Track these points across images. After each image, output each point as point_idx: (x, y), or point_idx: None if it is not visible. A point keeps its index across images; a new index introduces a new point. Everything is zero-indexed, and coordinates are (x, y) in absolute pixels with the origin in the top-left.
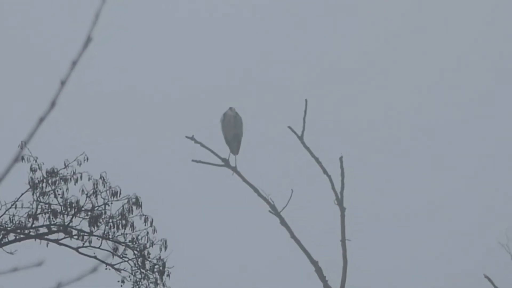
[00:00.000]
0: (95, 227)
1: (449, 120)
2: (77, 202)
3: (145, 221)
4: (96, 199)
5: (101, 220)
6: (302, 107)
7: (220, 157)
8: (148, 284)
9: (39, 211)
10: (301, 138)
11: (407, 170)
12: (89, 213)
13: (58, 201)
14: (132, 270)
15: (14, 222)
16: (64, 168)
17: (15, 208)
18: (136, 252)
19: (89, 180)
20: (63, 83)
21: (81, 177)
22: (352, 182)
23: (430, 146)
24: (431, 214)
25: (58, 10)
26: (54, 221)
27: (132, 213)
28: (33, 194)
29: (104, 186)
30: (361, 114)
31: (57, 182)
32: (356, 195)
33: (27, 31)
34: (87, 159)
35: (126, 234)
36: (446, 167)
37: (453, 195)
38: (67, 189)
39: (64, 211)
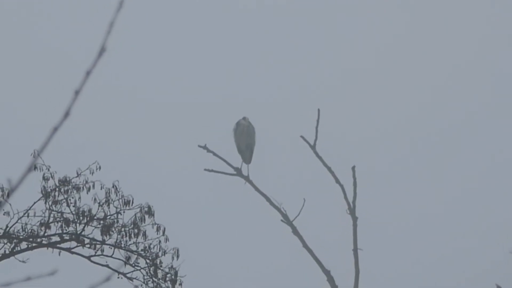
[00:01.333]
0: (108, 236)
1: (462, 125)
2: (90, 210)
3: (158, 230)
4: (109, 208)
5: (113, 229)
6: (314, 116)
7: (232, 166)
8: None
9: (51, 219)
10: (313, 147)
11: (418, 177)
12: (102, 222)
13: (70, 209)
14: (144, 279)
15: (26, 230)
16: (77, 176)
17: (28, 216)
18: (148, 261)
19: (101, 188)
20: (77, 92)
21: (93, 185)
22: (364, 191)
23: (441, 152)
24: (443, 222)
25: (73, 16)
26: (66, 230)
27: (145, 222)
28: (45, 203)
29: (117, 195)
30: (372, 123)
31: (69, 191)
32: (368, 203)
33: (43, 38)
34: (100, 167)
35: (139, 243)
36: (457, 174)
37: (465, 201)
38: (80, 197)
39: (76, 220)
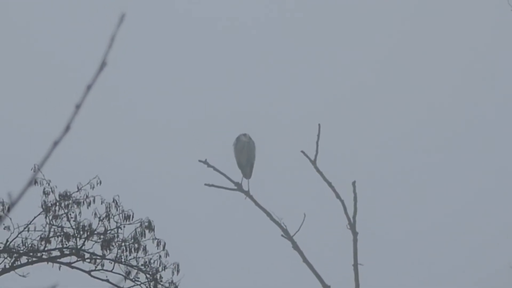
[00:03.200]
0: (108, 251)
1: (461, 136)
2: (90, 225)
3: (158, 244)
4: (109, 222)
5: (113, 244)
6: (315, 132)
7: (233, 181)
8: None
9: (51, 234)
10: (314, 162)
11: (419, 191)
12: (102, 236)
13: (70, 224)
14: None
15: (26, 245)
16: (77, 191)
17: (28, 231)
18: (148, 275)
19: (102, 203)
20: (78, 107)
21: (94, 200)
22: (364, 206)
23: (442, 163)
24: (443, 236)
25: (76, 27)
26: (66, 244)
27: (145, 237)
28: (46, 217)
29: (117, 210)
30: (371, 136)
31: (70, 205)
32: (369, 218)
33: (44, 50)
34: (100, 182)
35: (139, 257)
36: (458, 186)
37: (466, 214)
38: (80, 212)
39: (76, 234)
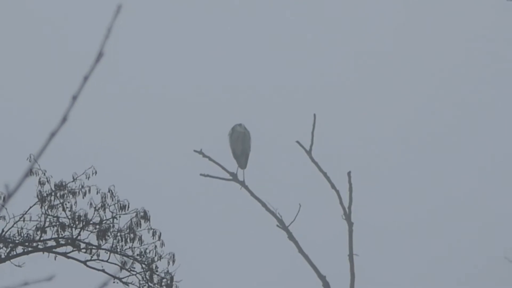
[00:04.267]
0: (103, 241)
1: (458, 125)
2: (85, 215)
3: (153, 234)
4: (104, 212)
5: (109, 234)
6: (310, 121)
7: (228, 171)
8: None
9: (47, 224)
10: (309, 152)
11: (414, 180)
12: (97, 226)
13: (66, 214)
14: (140, 284)
15: (22, 235)
16: (73, 181)
17: (24, 221)
18: (144, 265)
19: (97, 193)
20: (74, 98)
21: (89, 190)
22: (360, 196)
23: (436, 154)
24: (438, 224)
25: (73, 17)
26: (62, 234)
27: (140, 227)
28: (41, 207)
29: (112, 200)
30: (366, 126)
31: (65, 196)
32: (364, 208)
33: (44, 41)
34: (96, 172)
35: (134, 247)
36: (453, 176)
37: (463, 202)
38: (75, 202)
39: (72, 225)
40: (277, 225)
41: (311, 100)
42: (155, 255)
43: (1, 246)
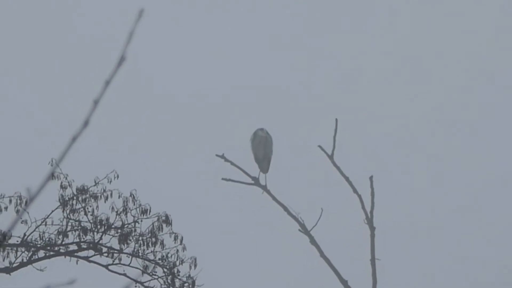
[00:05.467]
0: (125, 245)
1: (476, 124)
2: (107, 219)
3: (175, 239)
4: (126, 216)
5: (131, 238)
6: (332, 126)
7: (250, 176)
8: None
9: (69, 228)
10: (331, 157)
11: (436, 184)
12: (119, 230)
13: (88, 218)
14: None
15: (44, 239)
16: (94, 185)
17: (45, 225)
18: (165, 270)
19: (119, 197)
20: (96, 102)
21: (111, 194)
22: (382, 200)
23: (456, 155)
24: (461, 228)
25: (94, 22)
26: (84, 239)
27: (162, 231)
28: (63, 211)
29: (134, 204)
30: (389, 130)
31: (87, 200)
32: (386, 212)
33: (65, 44)
34: (118, 176)
35: (156, 252)
36: (477, 174)
37: (478, 205)
38: (97, 206)
39: (94, 229)
40: (299, 230)
41: (334, 104)
42: (177, 259)
43: (23, 250)
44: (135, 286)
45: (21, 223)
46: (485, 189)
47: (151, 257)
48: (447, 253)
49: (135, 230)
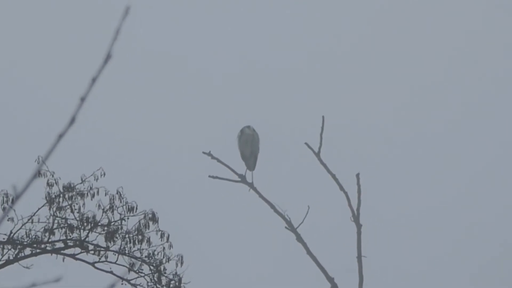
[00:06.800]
0: (112, 242)
1: (461, 120)
2: (94, 217)
3: (162, 236)
4: (113, 214)
5: (117, 235)
6: (319, 123)
7: (236, 173)
8: None
9: (55, 225)
10: (317, 154)
11: (422, 179)
12: (106, 228)
13: (74, 216)
14: (148, 286)
15: (30, 236)
16: (81, 183)
17: (32, 222)
18: (152, 267)
19: (105, 195)
20: (82, 99)
21: (97, 192)
22: (368, 198)
23: (441, 148)
24: (446, 223)
25: (81, 25)
26: (70, 236)
27: (149, 229)
28: (49, 209)
29: (121, 201)
30: (376, 124)
31: (73, 197)
32: (373, 210)
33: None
34: (104, 174)
35: (143, 249)
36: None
37: (464, 199)
38: (84, 204)
39: (80, 226)
40: (286, 227)
41: (319, 100)
42: (163, 257)
43: (10, 247)
44: (122, 284)
45: (8, 220)
46: (470, 185)
47: (137, 254)
48: (433, 249)
49: (121, 228)
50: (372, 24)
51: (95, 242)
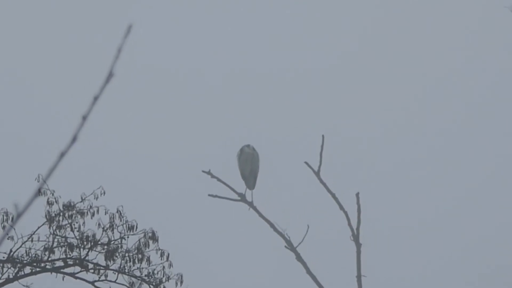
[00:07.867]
0: (111, 261)
1: (464, 122)
2: (94, 235)
3: (161, 255)
4: (113, 233)
5: (117, 254)
6: (319, 142)
7: (236, 192)
8: None
9: (55, 244)
10: (317, 173)
11: (422, 179)
12: (106, 247)
13: (74, 234)
14: None
15: (30, 255)
16: (81, 201)
17: (32, 241)
18: (152, 286)
19: (105, 214)
20: (84, 118)
21: (97, 210)
22: (368, 217)
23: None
24: (448, 225)
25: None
26: (70, 255)
27: (149, 247)
28: (49, 228)
29: (121, 220)
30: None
31: (73, 216)
32: (373, 230)
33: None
34: (104, 193)
35: (142, 268)
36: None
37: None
38: (84, 222)
39: (80, 245)
40: (286, 246)
41: (319, 120)
42: (163, 276)
43: (9, 266)
44: None
45: (8, 239)
46: (469, 199)
47: (137, 273)
48: (437, 249)
49: (121, 247)
50: (372, 24)
51: (95, 261)
